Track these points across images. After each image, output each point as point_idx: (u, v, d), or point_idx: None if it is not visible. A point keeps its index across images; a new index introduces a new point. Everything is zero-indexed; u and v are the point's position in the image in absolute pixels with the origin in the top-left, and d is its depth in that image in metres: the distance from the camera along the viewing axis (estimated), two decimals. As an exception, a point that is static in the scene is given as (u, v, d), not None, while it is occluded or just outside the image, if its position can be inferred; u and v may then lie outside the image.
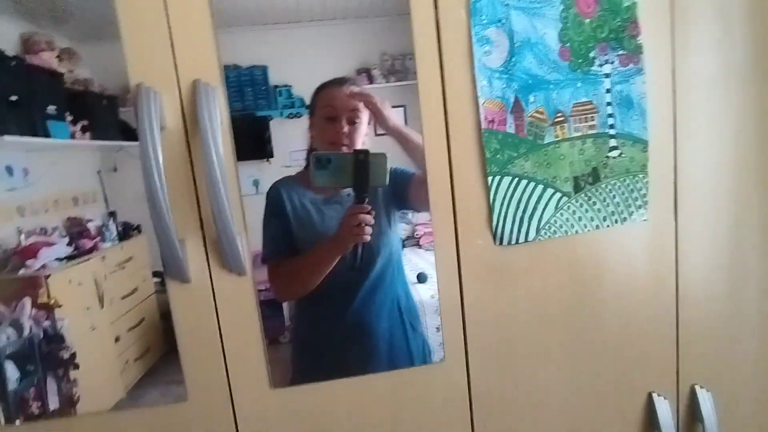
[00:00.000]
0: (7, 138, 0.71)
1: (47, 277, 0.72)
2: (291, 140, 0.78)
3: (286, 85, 0.78)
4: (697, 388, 0.85)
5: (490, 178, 0.74)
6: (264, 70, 0.76)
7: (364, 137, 0.80)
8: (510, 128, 0.74)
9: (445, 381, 0.79)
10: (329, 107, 0.77)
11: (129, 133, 0.75)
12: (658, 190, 0.80)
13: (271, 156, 0.77)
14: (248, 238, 0.72)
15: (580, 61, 0.74)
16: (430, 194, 0.73)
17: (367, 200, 0.74)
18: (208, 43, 0.67)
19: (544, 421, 0.83)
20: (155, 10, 0.65)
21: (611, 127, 0.76)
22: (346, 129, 0.78)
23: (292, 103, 0.78)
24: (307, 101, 0.79)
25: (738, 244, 0.84)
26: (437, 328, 0.80)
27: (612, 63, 0.75)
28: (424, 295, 0.84)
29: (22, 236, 0.72)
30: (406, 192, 0.80)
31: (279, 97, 0.77)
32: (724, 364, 0.86)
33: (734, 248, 0.84)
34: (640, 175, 0.78)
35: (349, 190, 0.75)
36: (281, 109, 0.78)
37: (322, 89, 0.78)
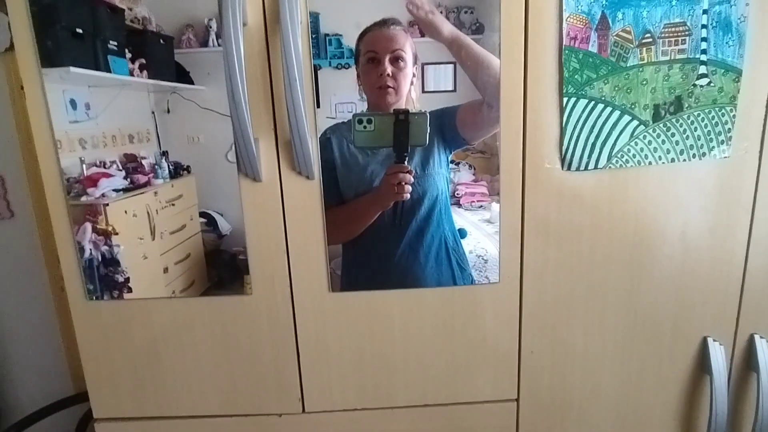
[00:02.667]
0: (73, 70, 0.73)
1: (106, 205, 0.77)
2: (338, 91, 0.77)
3: (336, 34, 0.76)
4: (756, 336, 0.83)
5: (565, 99, 0.72)
6: (316, 17, 0.74)
7: (413, 79, 0.78)
8: (593, 47, 0.71)
9: (498, 301, 0.80)
10: (370, 51, 0.76)
11: (183, 75, 0.77)
12: (745, 127, 0.75)
13: (318, 106, 0.76)
14: (320, 180, 0.74)
15: (678, -23, 0.69)
16: (501, 109, 0.72)
17: (407, 159, 0.74)
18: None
19: (593, 351, 0.83)
20: None
21: (703, 52, 0.71)
22: (389, 70, 0.76)
23: (341, 53, 0.76)
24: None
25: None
26: (478, 281, 0.80)
27: (713, -18, 0.69)
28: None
29: (84, 167, 0.77)
30: (453, 124, 0.78)
31: (329, 46, 0.77)
32: (789, 317, 0.83)
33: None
34: (728, 108, 0.73)
35: None
36: (330, 58, 0.77)
37: (364, 34, 0.76)
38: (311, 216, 0.75)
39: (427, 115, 0.73)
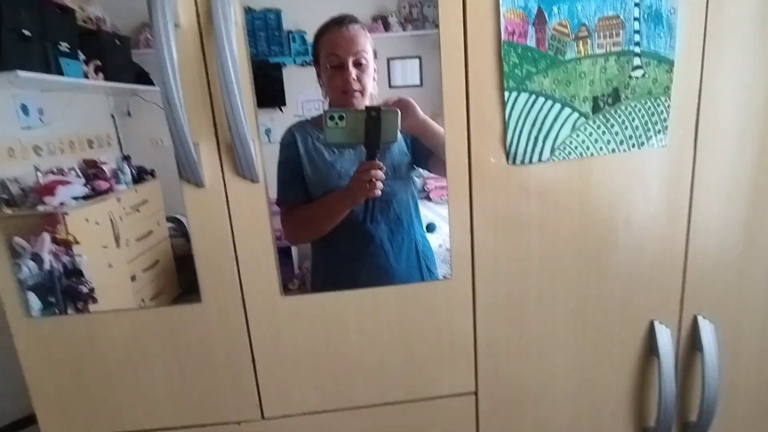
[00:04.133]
0: (21, 73, 0.70)
1: (65, 214, 0.74)
2: (304, 88, 0.77)
3: (299, 31, 0.75)
4: (699, 318, 0.86)
5: (506, 94, 0.73)
6: (277, 14, 0.73)
7: (374, 75, 0.78)
8: (531, 41, 0.71)
9: (452, 296, 0.81)
10: (333, 56, 0.75)
11: (143, 76, 0.75)
12: (680, 116, 0.77)
13: (284, 104, 0.75)
14: (266, 182, 0.73)
15: (610, -28, 0.70)
16: (444, 106, 0.72)
17: (378, 156, 0.74)
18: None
19: (547, 340, 0.85)
20: None
21: (637, 44, 0.73)
22: (354, 74, 0.76)
23: (305, 50, 0.76)
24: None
25: (759, 177, 0.81)
26: (444, 276, 0.81)
27: (643, -25, 0.71)
28: (432, 244, 0.86)
29: (39, 174, 0.74)
30: (426, 161, 0.80)
31: (293, 43, 0.76)
32: (729, 297, 0.86)
33: (754, 181, 0.81)
34: (663, 98, 0.76)
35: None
36: (294, 56, 0.76)
37: (321, 35, 0.75)
38: (258, 219, 0.74)
39: (398, 112, 0.73)
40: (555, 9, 0.71)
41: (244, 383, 0.81)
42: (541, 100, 0.74)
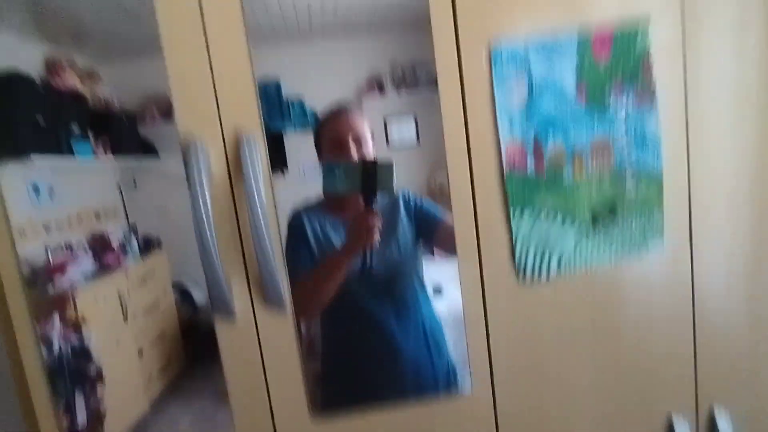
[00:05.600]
0: (36, 159, 0.74)
1: (74, 294, 0.76)
2: (304, 153, 0.79)
3: (298, 98, 0.78)
4: (715, 407, 0.88)
5: (511, 212, 0.78)
6: (277, 86, 0.77)
7: (371, 147, 0.82)
8: (530, 168, 0.78)
9: (474, 411, 0.83)
10: (334, 139, 0.80)
11: (148, 148, 0.77)
12: (673, 221, 0.83)
13: (285, 167, 0.79)
14: (293, 312, 0.76)
15: (596, 102, 0.78)
16: (456, 233, 0.78)
17: (375, 205, 0.77)
18: (250, 96, 0.72)
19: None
20: (199, 66, 0.71)
21: (627, 164, 0.80)
22: (353, 150, 0.81)
23: (304, 116, 0.79)
24: (320, 114, 0.80)
25: (755, 270, 0.86)
26: (454, 342, 0.83)
27: (627, 102, 0.78)
28: (439, 307, 0.87)
29: (49, 253, 0.76)
30: (430, 236, 0.83)
31: (292, 110, 0.78)
32: (741, 384, 0.89)
33: (751, 274, 0.86)
34: (656, 208, 0.82)
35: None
36: (294, 123, 0.79)
37: (322, 126, 0.80)
38: (287, 348, 0.77)
39: (393, 162, 0.76)
40: (550, 136, 0.77)
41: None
42: (544, 216, 0.79)
